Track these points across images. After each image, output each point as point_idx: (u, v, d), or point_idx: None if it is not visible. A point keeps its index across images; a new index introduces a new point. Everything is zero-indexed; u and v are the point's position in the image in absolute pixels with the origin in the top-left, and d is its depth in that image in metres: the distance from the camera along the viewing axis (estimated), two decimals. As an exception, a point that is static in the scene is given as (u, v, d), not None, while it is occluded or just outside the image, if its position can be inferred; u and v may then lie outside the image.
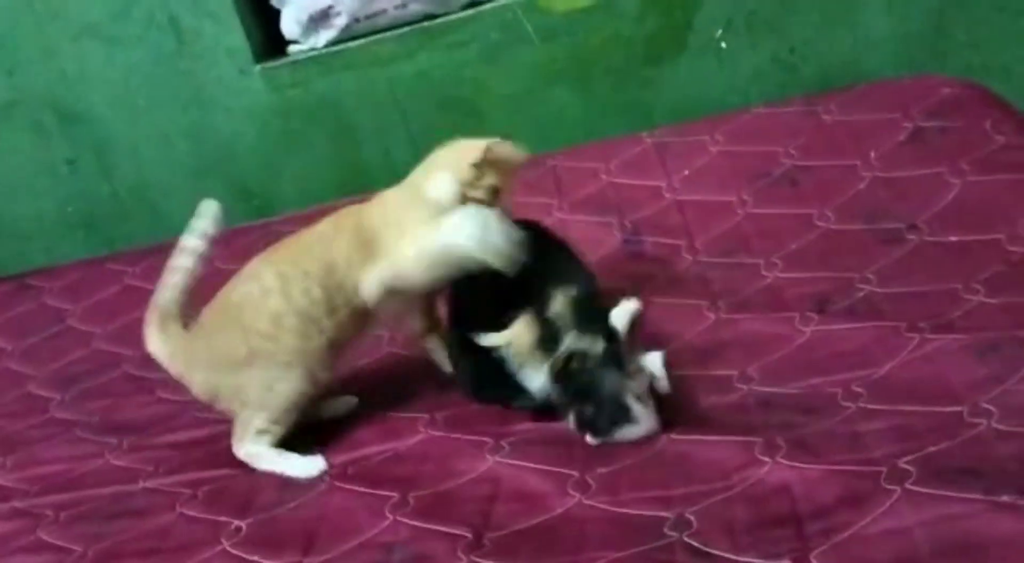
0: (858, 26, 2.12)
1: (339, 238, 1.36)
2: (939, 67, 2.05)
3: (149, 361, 1.80)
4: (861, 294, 1.45)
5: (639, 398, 1.24)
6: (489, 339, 1.28)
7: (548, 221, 1.70)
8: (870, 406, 1.22)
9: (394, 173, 2.14)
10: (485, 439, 1.34)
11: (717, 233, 1.71)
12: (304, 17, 2.17)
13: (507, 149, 1.36)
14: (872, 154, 1.77)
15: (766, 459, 1.17)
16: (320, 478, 1.33)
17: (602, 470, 1.24)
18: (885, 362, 1.29)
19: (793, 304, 1.47)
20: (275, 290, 1.33)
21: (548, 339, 1.27)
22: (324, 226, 1.41)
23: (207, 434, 1.55)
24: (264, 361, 1.33)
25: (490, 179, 1.33)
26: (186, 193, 2.26)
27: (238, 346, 1.34)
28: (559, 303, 1.29)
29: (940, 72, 2.00)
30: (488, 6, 2.17)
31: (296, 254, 1.38)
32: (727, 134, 1.96)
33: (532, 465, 1.27)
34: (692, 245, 1.69)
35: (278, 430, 1.33)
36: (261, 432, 1.34)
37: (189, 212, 2.16)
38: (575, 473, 1.24)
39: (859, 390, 1.25)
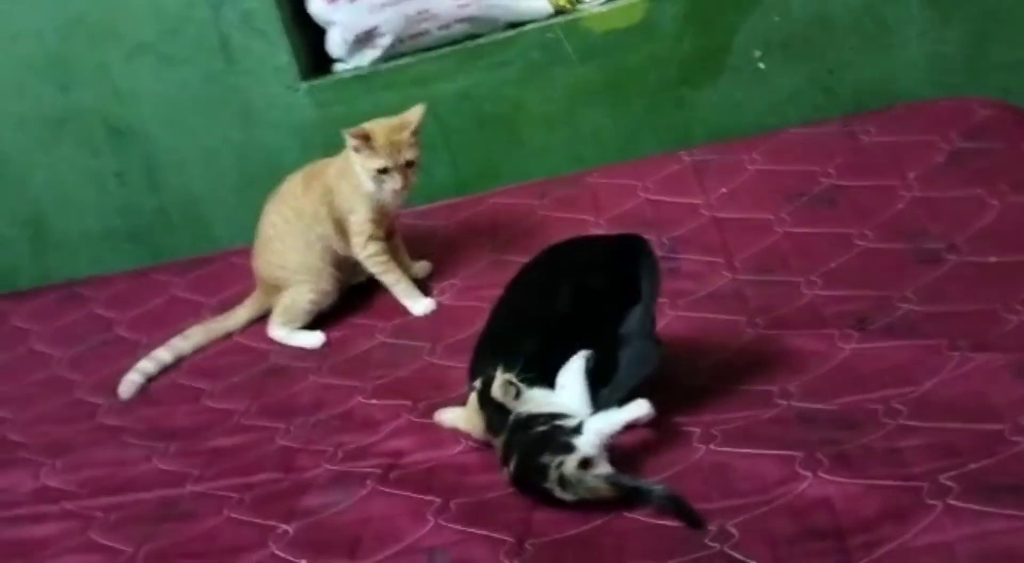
0: (894, 48, 2.13)
1: (309, 194, 1.88)
2: (975, 89, 2.05)
3: (194, 370, 1.87)
4: (900, 313, 1.46)
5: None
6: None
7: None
8: (911, 423, 1.23)
9: (435, 189, 2.21)
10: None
11: (755, 251, 1.72)
12: (350, 37, 2.22)
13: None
14: (910, 175, 1.78)
15: (807, 473, 1.18)
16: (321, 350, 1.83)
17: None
18: (925, 380, 1.30)
19: (832, 321, 1.48)
20: (274, 237, 1.89)
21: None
22: (295, 186, 1.91)
23: (252, 439, 1.59)
24: (285, 283, 1.89)
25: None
26: (231, 207, 2.33)
27: (270, 274, 1.92)
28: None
29: (976, 94, 2.01)
30: (529, 27, 2.20)
31: (279, 206, 1.91)
32: (765, 153, 1.98)
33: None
34: (730, 262, 1.71)
35: (296, 324, 1.89)
36: (283, 324, 1.90)
37: (234, 225, 2.23)
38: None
39: (900, 407, 1.26)
